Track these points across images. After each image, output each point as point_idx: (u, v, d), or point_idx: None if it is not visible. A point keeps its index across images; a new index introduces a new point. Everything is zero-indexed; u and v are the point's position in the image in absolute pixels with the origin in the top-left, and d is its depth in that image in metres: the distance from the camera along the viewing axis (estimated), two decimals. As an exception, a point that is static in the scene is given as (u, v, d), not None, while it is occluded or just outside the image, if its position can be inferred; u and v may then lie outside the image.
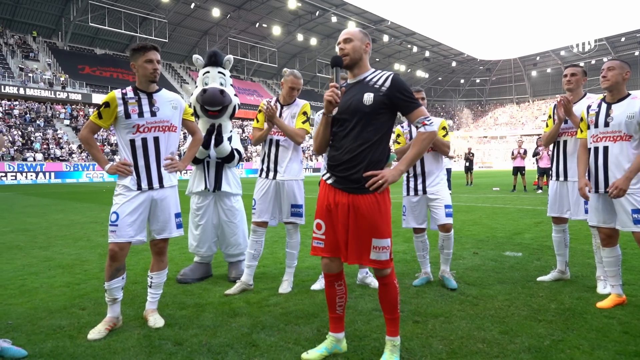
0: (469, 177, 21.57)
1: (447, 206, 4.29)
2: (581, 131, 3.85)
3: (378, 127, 2.60)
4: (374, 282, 4.24)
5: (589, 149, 3.72)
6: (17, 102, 37.34)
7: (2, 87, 36.49)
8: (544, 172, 15.88)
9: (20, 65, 40.12)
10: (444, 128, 4.31)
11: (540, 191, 16.13)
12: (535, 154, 16.18)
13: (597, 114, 3.66)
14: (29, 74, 39.53)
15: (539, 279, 4.38)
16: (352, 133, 2.59)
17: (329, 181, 2.68)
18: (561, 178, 4.22)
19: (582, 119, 3.83)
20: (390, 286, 2.65)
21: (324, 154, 3.33)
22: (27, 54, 42.54)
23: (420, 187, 4.29)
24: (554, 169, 4.30)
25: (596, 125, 3.65)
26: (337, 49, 2.74)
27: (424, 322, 3.29)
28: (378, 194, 2.57)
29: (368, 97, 2.57)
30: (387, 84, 2.58)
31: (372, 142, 2.58)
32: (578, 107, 4.06)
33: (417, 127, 2.60)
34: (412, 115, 2.60)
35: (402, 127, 4.46)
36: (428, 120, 2.58)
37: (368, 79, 2.65)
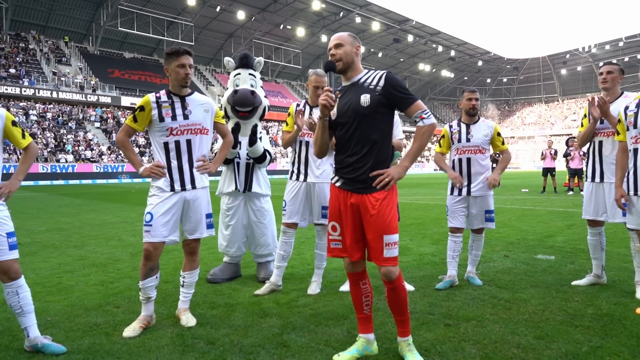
0: None
1: (487, 211, 4.29)
2: (618, 133, 3.73)
3: (379, 127, 2.64)
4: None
5: (629, 150, 3.61)
6: (50, 106, 38.56)
7: (37, 91, 37.75)
8: (575, 173, 15.47)
9: (53, 70, 41.43)
10: (499, 134, 4.35)
11: (571, 192, 15.72)
12: (567, 154, 15.77)
13: (636, 114, 3.54)
14: (62, 78, 40.78)
15: (573, 283, 4.27)
16: (355, 135, 2.65)
17: (338, 184, 2.75)
18: (597, 179, 4.09)
19: (619, 121, 3.71)
20: (400, 289, 2.67)
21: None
22: (59, 58, 43.90)
23: (465, 189, 4.30)
24: (589, 170, 4.18)
25: (635, 126, 3.54)
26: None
27: (456, 325, 3.24)
28: (385, 192, 2.62)
29: (365, 99, 2.61)
30: (382, 82, 2.62)
31: (374, 142, 2.63)
32: (615, 107, 3.93)
33: (415, 122, 2.65)
34: (409, 110, 2.64)
35: (451, 126, 4.43)
36: (425, 114, 2.62)
37: (362, 80, 2.70)
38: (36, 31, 44.35)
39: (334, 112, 2.73)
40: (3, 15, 40.70)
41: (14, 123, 2.92)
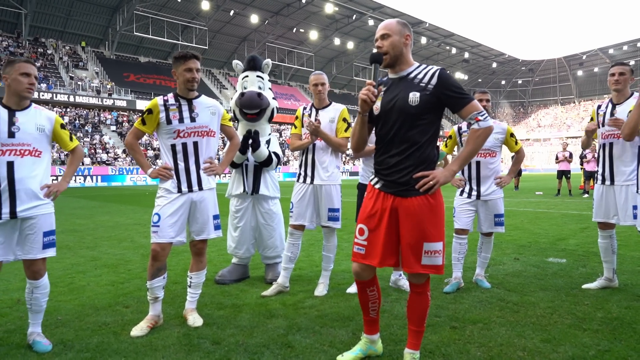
0: (516, 180, 20.74)
1: (497, 215, 4.27)
2: None
3: (425, 128, 2.46)
4: (406, 285, 4.21)
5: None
6: (68, 109, 39.24)
7: (55, 95, 38.45)
8: (590, 176, 15.23)
9: (70, 75, 42.17)
10: (512, 135, 4.30)
11: (586, 195, 15.48)
12: (582, 156, 15.54)
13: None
14: (78, 82, 41.48)
15: (584, 286, 4.21)
16: (398, 135, 2.47)
17: (377, 185, 2.58)
18: (607, 182, 4.04)
19: None
20: (424, 296, 2.56)
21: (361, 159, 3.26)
22: (76, 63, 44.66)
23: (474, 192, 4.26)
24: (599, 172, 4.13)
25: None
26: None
27: (462, 328, 3.23)
28: (429, 196, 2.46)
29: (414, 97, 2.42)
30: (434, 81, 2.42)
31: (419, 143, 2.45)
32: (625, 108, 3.89)
33: (470, 123, 2.45)
34: (464, 111, 2.42)
35: (460, 127, 4.38)
36: (482, 115, 2.41)
37: (412, 75, 2.49)
38: (54, 38, 45.17)
39: (377, 107, 2.54)
40: (22, 21, 41.56)
41: (62, 126, 3.12)
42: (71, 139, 3.17)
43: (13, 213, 2.83)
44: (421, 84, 2.44)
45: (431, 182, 2.41)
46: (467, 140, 2.48)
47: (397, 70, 2.55)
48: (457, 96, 2.43)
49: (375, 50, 2.56)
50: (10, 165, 2.82)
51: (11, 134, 2.84)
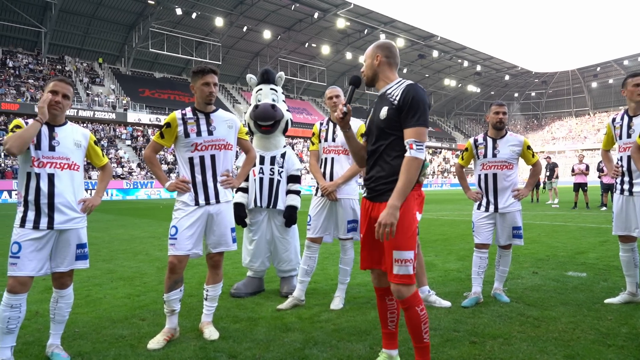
0: (536, 193, 20.54)
1: (515, 228, 4.20)
2: None
3: (396, 141, 2.51)
4: (439, 301, 4.14)
5: None
6: (84, 125, 39.97)
7: (74, 111, 39.21)
8: (608, 188, 14.98)
9: (88, 92, 43.03)
10: (529, 148, 4.27)
11: (604, 208, 15.22)
12: (600, 169, 15.32)
13: None
14: (95, 98, 42.28)
15: (606, 301, 4.11)
16: (378, 147, 2.60)
17: (364, 195, 2.73)
18: (626, 193, 3.97)
19: None
20: (412, 311, 2.46)
21: None
22: (93, 79, 45.60)
23: (492, 205, 4.22)
24: (618, 182, 4.06)
25: None
26: None
27: (482, 343, 3.16)
28: (403, 205, 2.41)
29: (383, 112, 2.54)
30: (400, 95, 2.50)
31: (393, 156, 2.53)
32: None
33: (405, 150, 2.44)
34: (405, 132, 2.45)
35: (476, 140, 4.36)
36: (417, 144, 2.39)
37: (388, 92, 2.60)
38: (72, 55, 46.23)
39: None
40: (42, 39, 42.65)
41: (95, 142, 3.24)
42: (102, 155, 3.30)
43: (51, 224, 2.91)
44: (391, 99, 2.54)
45: (386, 229, 2.33)
46: (401, 170, 2.42)
47: (377, 88, 2.72)
48: (408, 113, 2.44)
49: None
50: (50, 178, 2.93)
51: (52, 148, 2.96)
